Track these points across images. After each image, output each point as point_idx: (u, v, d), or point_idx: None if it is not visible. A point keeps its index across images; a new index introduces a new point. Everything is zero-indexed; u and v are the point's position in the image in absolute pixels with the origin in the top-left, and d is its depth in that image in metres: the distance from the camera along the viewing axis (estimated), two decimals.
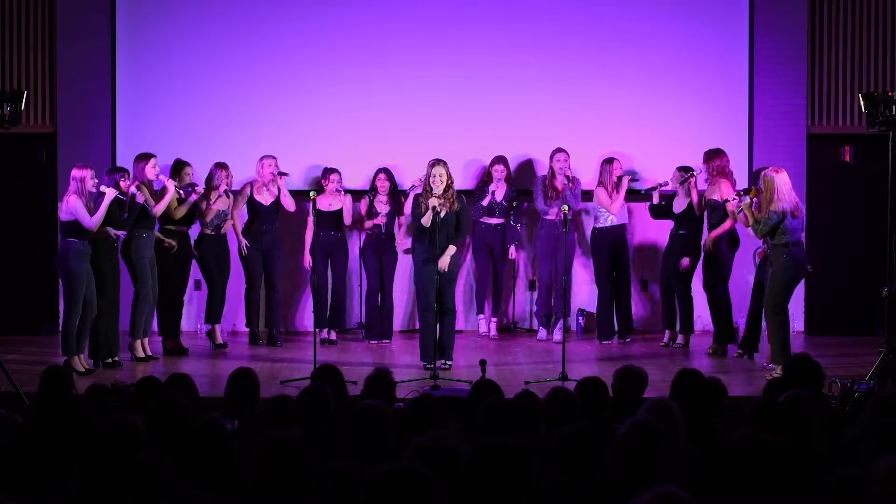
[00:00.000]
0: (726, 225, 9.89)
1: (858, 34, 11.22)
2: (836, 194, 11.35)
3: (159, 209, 9.54)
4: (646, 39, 11.05)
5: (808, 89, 11.22)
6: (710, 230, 10.05)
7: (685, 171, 10.29)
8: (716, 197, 9.92)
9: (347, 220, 10.59)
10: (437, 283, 8.94)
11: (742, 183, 10.12)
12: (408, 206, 10.16)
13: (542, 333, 10.73)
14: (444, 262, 9.00)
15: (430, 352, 8.96)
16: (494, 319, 10.88)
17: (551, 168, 10.55)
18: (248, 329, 10.72)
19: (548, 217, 10.60)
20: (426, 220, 8.86)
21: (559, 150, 10.55)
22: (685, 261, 10.23)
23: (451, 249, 9.05)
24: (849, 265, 11.29)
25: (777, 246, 8.84)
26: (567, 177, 10.47)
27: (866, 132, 9.30)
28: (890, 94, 8.63)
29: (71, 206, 8.87)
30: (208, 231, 10.23)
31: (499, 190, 10.66)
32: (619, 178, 10.49)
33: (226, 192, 10.22)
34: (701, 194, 10.15)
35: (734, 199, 9.16)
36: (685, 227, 10.29)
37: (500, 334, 10.89)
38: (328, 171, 10.55)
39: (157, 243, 9.76)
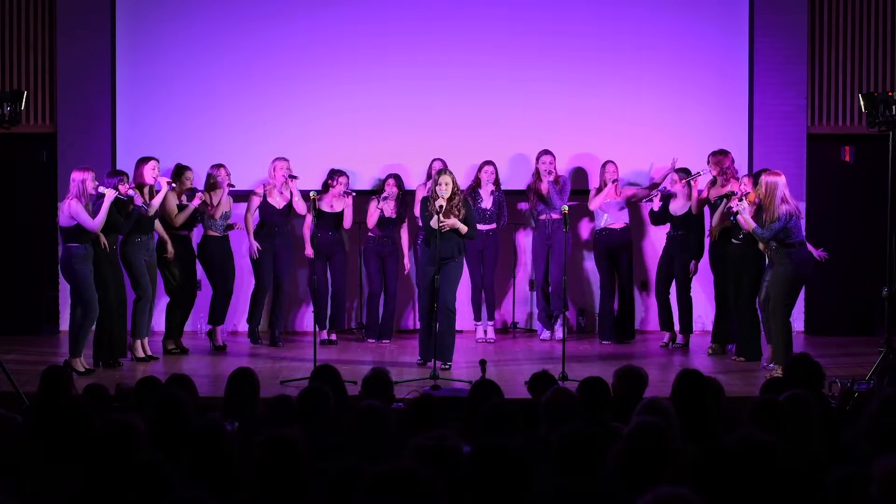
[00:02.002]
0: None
1: (858, 34, 11.23)
2: (836, 194, 11.35)
3: (155, 203, 9.49)
4: (646, 39, 11.06)
5: (808, 89, 11.23)
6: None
7: (685, 172, 10.30)
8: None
9: (348, 223, 10.58)
10: (436, 284, 8.97)
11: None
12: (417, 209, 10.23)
13: (545, 334, 10.74)
14: (449, 222, 8.93)
15: (424, 351, 9.22)
16: (491, 323, 10.87)
17: (536, 170, 10.56)
18: (247, 328, 10.71)
19: (540, 218, 10.62)
20: (435, 222, 8.90)
21: (544, 151, 10.56)
22: (693, 264, 10.27)
23: (461, 225, 9.01)
24: (849, 265, 11.29)
25: (781, 248, 8.83)
26: (551, 171, 10.47)
27: (866, 132, 9.30)
28: (890, 94, 8.62)
29: (72, 210, 8.84)
30: (213, 233, 10.22)
31: (489, 195, 10.64)
32: (614, 182, 10.50)
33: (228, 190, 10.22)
34: (702, 195, 10.16)
35: (735, 202, 9.12)
36: (682, 228, 10.31)
37: (497, 335, 10.89)
38: (336, 173, 10.52)
39: (159, 246, 9.77)
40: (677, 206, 10.35)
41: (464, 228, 9.06)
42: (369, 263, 10.71)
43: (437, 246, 8.88)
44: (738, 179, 9.86)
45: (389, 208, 10.53)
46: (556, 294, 10.60)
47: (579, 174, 11.01)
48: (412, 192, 10.69)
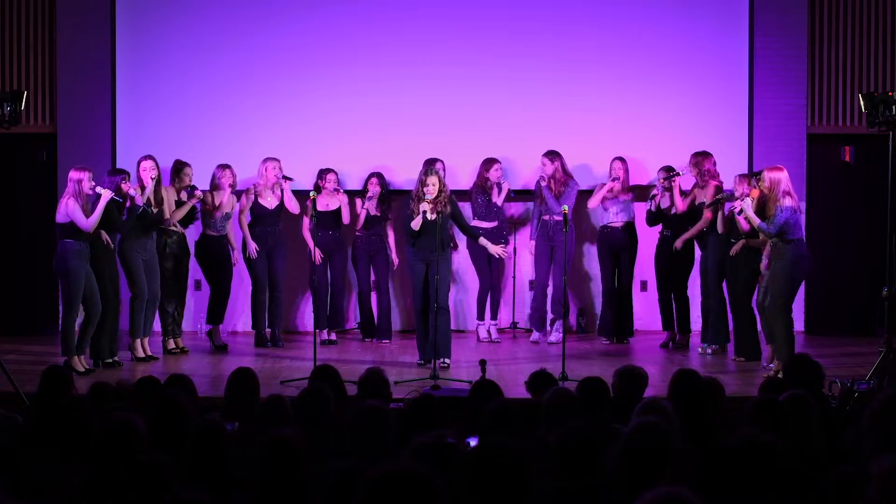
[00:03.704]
0: (697, 226, 9.91)
1: (858, 34, 11.23)
2: (836, 194, 11.35)
3: (148, 194, 9.40)
4: (646, 39, 11.06)
5: (808, 89, 11.23)
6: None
7: (668, 170, 10.30)
8: (705, 199, 9.93)
9: (346, 218, 10.59)
10: (435, 284, 8.99)
11: (728, 183, 10.01)
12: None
13: (535, 335, 10.71)
14: (494, 248, 9.38)
15: (423, 351, 9.26)
16: (494, 323, 10.86)
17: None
18: (247, 329, 10.74)
19: (543, 218, 10.62)
20: (416, 224, 8.97)
21: (544, 153, 10.54)
22: (679, 241, 10.21)
23: (483, 241, 9.39)
24: (849, 265, 11.29)
25: (780, 243, 8.82)
26: (546, 174, 10.44)
27: (866, 132, 9.30)
28: (890, 94, 8.62)
29: (69, 209, 8.86)
30: (212, 232, 10.21)
31: (501, 193, 10.65)
32: (615, 180, 10.52)
33: (231, 190, 10.20)
34: (689, 193, 10.16)
35: (738, 198, 9.11)
36: (672, 227, 10.31)
37: (499, 334, 10.88)
38: (324, 172, 10.55)
39: (157, 243, 9.76)
40: (667, 205, 10.36)
41: (484, 242, 9.32)
42: (358, 263, 10.73)
43: (419, 243, 9.05)
44: (717, 180, 9.89)
45: (373, 207, 10.55)
46: (555, 297, 10.59)
47: (579, 174, 10.99)
48: (403, 192, 10.71)
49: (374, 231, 10.65)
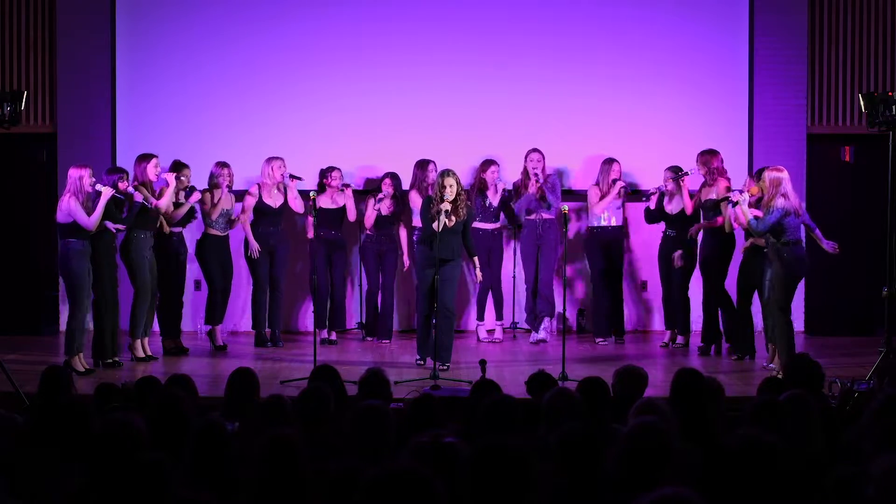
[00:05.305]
0: (718, 220, 9.88)
1: (858, 34, 11.23)
2: (836, 194, 11.35)
3: (162, 203, 9.52)
4: (646, 39, 11.06)
5: (808, 89, 11.23)
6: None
7: (676, 170, 10.29)
8: (713, 196, 9.92)
9: (352, 216, 10.58)
10: (435, 284, 8.95)
11: (737, 183, 10.02)
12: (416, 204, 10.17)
13: (535, 336, 10.71)
14: (478, 273, 9.37)
15: (422, 349, 9.19)
16: (499, 323, 10.85)
17: (525, 169, 10.53)
18: (247, 329, 10.74)
19: (528, 218, 10.60)
20: (438, 225, 8.86)
21: (532, 150, 10.53)
22: (677, 254, 10.19)
23: (476, 261, 9.32)
24: (849, 265, 11.28)
25: (776, 245, 8.82)
26: (537, 175, 10.43)
27: (866, 132, 9.30)
28: (890, 94, 8.62)
29: (71, 207, 8.86)
30: (213, 231, 10.21)
31: (496, 195, 10.64)
32: (614, 181, 10.49)
33: (229, 189, 10.20)
34: (695, 194, 10.15)
35: (736, 194, 9.10)
36: (676, 227, 10.30)
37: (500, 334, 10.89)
38: (329, 170, 10.55)
39: (157, 243, 9.75)
40: (673, 206, 10.35)
41: (477, 264, 9.32)
42: (367, 262, 10.72)
43: (437, 248, 8.87)
44: (728, 179, 9.89)
45: (386, 207, 10.54)
46: (543, 295, 10.58)
47: (578, 174, 11.00)
48: (408, 193, 10.72)
49: (384, 231, 10.64)
